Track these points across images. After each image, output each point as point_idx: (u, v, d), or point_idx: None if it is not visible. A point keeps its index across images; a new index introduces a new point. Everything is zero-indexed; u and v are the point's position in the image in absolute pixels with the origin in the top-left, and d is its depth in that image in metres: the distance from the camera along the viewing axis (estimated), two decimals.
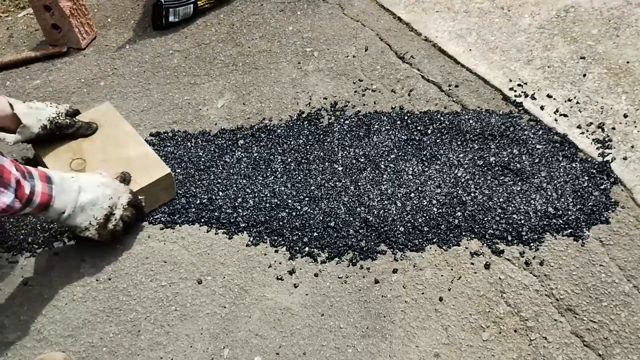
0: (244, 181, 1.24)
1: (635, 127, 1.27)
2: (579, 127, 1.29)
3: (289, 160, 1.28)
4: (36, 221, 1.21)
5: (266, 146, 1.32)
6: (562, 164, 1.21)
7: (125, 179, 1.13)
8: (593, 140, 1.26)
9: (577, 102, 1.34)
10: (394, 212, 1.16)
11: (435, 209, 1.16)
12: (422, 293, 1.05)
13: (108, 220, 1.07)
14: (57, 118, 1.18)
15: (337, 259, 1.11)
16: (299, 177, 1.24)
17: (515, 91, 1.39)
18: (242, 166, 1.28)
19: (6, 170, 0.89)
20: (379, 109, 1.39)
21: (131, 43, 1.69)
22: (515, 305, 1.02)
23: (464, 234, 1.12)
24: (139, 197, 1.13)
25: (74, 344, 1.03)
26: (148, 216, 1.20)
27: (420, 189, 1.20)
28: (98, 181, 1.05)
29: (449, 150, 1.27)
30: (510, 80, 1.42)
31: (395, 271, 1.08)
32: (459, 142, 1.28)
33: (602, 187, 1.16)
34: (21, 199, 0.92)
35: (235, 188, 1.22)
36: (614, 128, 1.27)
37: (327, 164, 1.27)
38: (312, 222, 1.16)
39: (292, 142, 1.32)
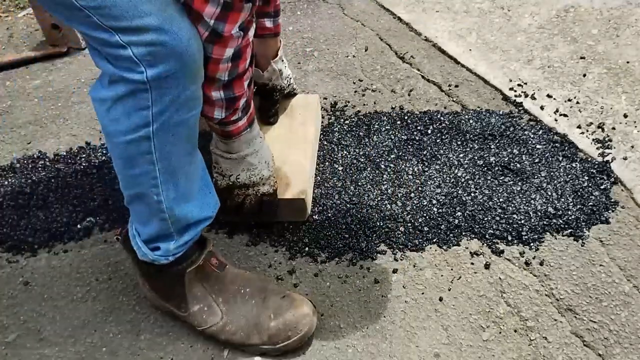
0: None
1: (635, 127, 1.27)
2: (579, 127, 1.29)
3: None
4: (36, 221, 1.21)
5: None
6: (562, 164, 1.21)
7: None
8: (593, 140, 1.26)
9: (577, 102, 1.34)
10: (394, 212, 1.16)
11: (435, 209, 1.16)
12: (422, 293, 1.05)
13: (238, 188, 1.07)
14: (277, 92, 1.22)
15: (337, 259, 1.11)
16: None
17: (515, 91, 1.39)
18: None
19: (240, 99, 0.94)
20: (379, 109, 1.39)
21: None
22: (515, 305, 1.02)
23: (464, 234, 1.12)
24: (277, 199, 1.11)
25: (74, 344, 1.03)
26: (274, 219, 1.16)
27: (420, 189, 1.20)
28: (269, 159, 1.08)
29: (449, 150, 1.27)
30: (510, 80, 1.42)
31: (395, 271, 1.08)
32: (459, 142, 1.28)
33: (602, 187, 1.16)
34: (224, 119, 0.96)
35: None
36: (614, 128, 1.27)
37: (327, 164, 1.27)
38: (312, 222, 1.16)
39: None
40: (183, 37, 0.73)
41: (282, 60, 1.20)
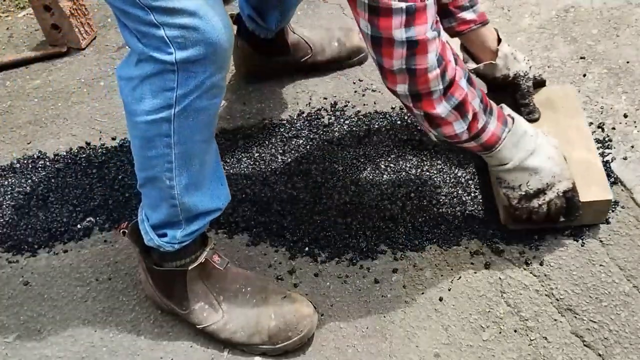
0: (244, 181, 1.24)
1: (635, 127, 1.27)
2: None
3: (289, 160, 1.28)
4: (36, 221, 1.21)
5: (266, 146, 1.32)
6: None
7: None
8: (593, 140, 1.25)
9: None
10: (394, 212, 1.16)
11: (435, 209, 1.16)
12: (422, 293, 1.05)
13: (536, 196, 0.99)
14: (521, 79, 1.12)
15: (337, 258, 1.11)
16: (299, 177, 1.24)
17: None
18: (242, 166, 1.28)
19: (467, 101, 0.89)
20: (379, 109, 1.39)
21: None
22: (515, 305, 1.02)
23: (464, 234, 1.12)
24: (577, 195, 1.01)
25: (74, 344, 1.03)
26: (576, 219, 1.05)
27: (420, 189, 1.19)
28: (551, 153, 0.99)
29: (449, 150, 1.27)
30: None
31: (395, 271, 1.08)
32: None
33: None
34: (470, 131, 0.91)
35: (235, 188, 1.22)
36: (614, 128, 1.27)
37: (327, 163, 1.27)
38: (312, 222, 1.16)
39: (292, 142, 1.32)
40: (216, 26, 0.75)
41: (511, 53, 1.12)
